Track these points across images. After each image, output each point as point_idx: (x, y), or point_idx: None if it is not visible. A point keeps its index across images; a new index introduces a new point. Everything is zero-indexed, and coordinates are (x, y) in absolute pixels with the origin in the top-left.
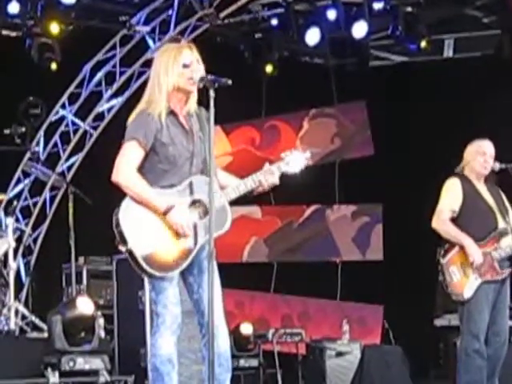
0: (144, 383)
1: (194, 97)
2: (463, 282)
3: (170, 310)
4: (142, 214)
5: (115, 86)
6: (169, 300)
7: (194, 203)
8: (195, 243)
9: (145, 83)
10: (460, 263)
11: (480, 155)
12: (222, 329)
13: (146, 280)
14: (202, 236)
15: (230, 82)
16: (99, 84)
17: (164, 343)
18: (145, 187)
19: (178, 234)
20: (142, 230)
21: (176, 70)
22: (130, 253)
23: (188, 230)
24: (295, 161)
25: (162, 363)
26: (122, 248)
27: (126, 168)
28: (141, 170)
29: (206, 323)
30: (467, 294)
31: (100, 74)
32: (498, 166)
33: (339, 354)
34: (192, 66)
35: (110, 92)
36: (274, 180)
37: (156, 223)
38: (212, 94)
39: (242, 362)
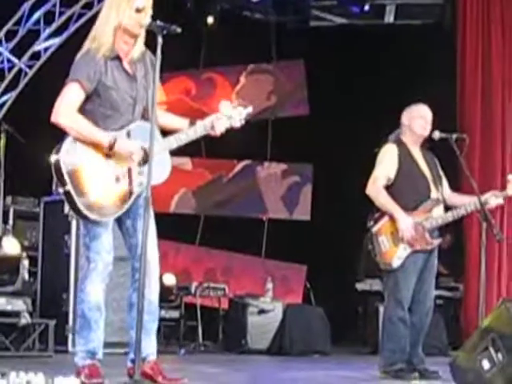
0: (65, 327)
1: (141, 41)
2: (392, 252)
3: (102, 257)
4: (83, 156)
5: (54, 26)
6: (103, 246)
7: None
8: (132, 190)
9: (84, 25)
10: (390, 232)
11: (418, 118)
12: (155, 276)
13: (81, 224)
14: (141, 183)
15: (179, 29)
16: (37, 23)
17: (93, 290)
18: (87, 124)
19: (117, 179)
20: (82, 172)
21: (128, 11)
22: (68, 194)
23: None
24: (237, 116)
25: (90, 310)
26: (59, 189)
27: (66, 108)
28: (82, 112)
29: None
30: (396, 263)
31: (39, 13)
32: (438, 134)
33: (261, 312)
34: (144, 11)
35: (47, 31)
36: (224, 125)
37: (97, 168)
38: (160, 40)
39: (163, 313)
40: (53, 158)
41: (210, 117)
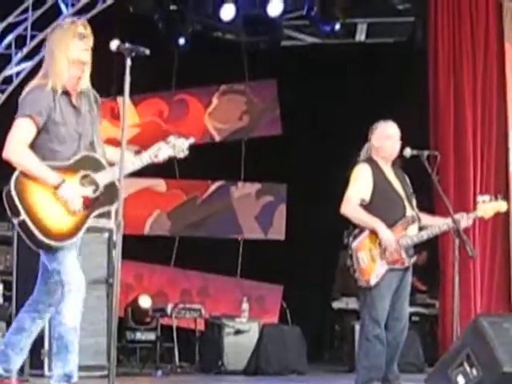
0: (40, 352)
1: (88, 73)
2: (370, 268)
3: (75, 277)
4: (33, 185)
5: (25, 50)
6: (72, 267)
7: (83, 178)
8: (87, 215)
9: None
10: (369, 249)
11: (387, 139)
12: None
13: (44, 254)
14: (95, 209)
15: (147, 51)
16: (9, 47)
17: (69, 312)
18: (37, 162)
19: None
20: (35, 201)
21: (71, 42)
22: (23, 224)
23: (76, 204)
24: (179, 146)
25: (67, 332)
26: (14, 220)
27: (17, 145)
28: (30, 146)
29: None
30: (373, 280)
31: (10, 37)
32: (409, 151)
33: (238, 332)
34: (86, 38)
35: (19, 55)
36: (167, 153)
37: (49, 195)
38: (129, 62)
39: (139, 335)
40: (4, 189)
41: (154, 146)
